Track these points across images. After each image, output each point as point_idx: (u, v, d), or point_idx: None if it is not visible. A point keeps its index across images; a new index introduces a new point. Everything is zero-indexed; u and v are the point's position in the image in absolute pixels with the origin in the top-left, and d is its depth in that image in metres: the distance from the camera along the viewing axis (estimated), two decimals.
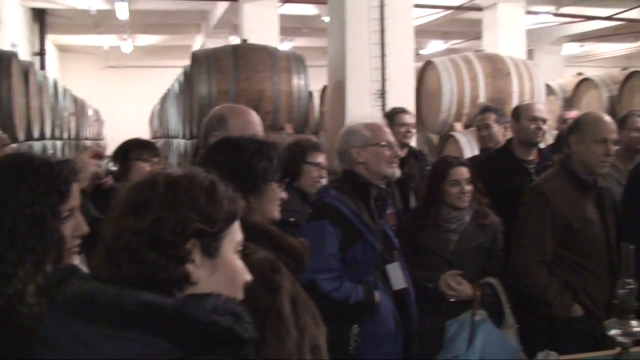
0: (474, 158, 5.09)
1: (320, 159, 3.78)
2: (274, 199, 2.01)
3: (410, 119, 5.05)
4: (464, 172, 3.56)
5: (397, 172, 3.06)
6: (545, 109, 4.55)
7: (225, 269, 1.33)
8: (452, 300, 3.45)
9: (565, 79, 10.21)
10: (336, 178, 3.22)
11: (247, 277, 1.39)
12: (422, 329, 3.27)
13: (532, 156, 4.27)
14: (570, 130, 3.56)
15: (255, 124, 2.71)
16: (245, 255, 1.42)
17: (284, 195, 2.04)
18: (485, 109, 5.11)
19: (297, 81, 6.64)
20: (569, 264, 3.41)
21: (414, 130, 5.12)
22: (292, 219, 3.16)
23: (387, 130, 3.11)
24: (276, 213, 2.03)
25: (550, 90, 9.14)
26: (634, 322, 2.61)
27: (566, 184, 3.46)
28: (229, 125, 2.63)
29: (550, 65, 14.82)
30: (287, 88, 6.60)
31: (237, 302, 1.29)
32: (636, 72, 7.55)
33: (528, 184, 3.81)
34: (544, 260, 3.40)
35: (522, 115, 4.28)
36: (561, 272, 3.41)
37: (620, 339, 2.63)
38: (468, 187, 3.54)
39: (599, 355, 2.89)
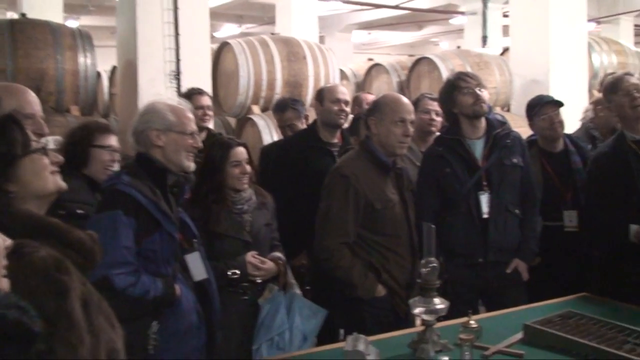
0: (276, 142, 5.03)
1: (111, 141, 3.41)
2: (40, 169, 1.77)
3: (207, 100, 4.85)
4: (243, 152, 3.51)
5: (192, 166, 2.84)
6: (347, 91, 4.59)
7: None
8: (259, 280, 3.41)
9: (357, 64, 10.51)
10: (129, 162, 2.92)
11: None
12: (226, 317, 3.16)
13: (336, 139, 4.32)
14: (370, 112, 3.56)
15: (32, 103, 2.49)
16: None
17: (48, 161, 1.80)
18: (283, 108, 5.00)
19: (83, 60, 6.15)
20: (371, 245, 3.41)
21: (211, 113, 4.92)
22: (80, 211, 2.84)
23: (192, 117, 2.88)
24: (49, 183, 1.79)
25: (343, 75, 9.34)
26: (436, 300, 2.66)
27: (367, 165, 3.45)
28: (3, 105, 2.34)
29: (341, 52, 15.26)
30: (73, 67, 6.09)
31: (19, 297, 1.16)
32: (423, 58, 7.89)
33: (332, 165, 3.80)
34: (347, 241, 3.37)
35: (325, 97, 4.32)
36: (364, 253, 3.39)
37: (425, 317, 2.68)
38: (248, 168, 3.48)
39: (405, 333, 2.92)
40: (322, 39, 15.30)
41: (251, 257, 3.40)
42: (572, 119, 6.11)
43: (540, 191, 4.01)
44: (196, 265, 2.92)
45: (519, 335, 2.82)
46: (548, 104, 4.20)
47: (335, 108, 4.26)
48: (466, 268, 3.67)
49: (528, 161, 3.88)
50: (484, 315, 3.34)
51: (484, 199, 3.70)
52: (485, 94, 3.93)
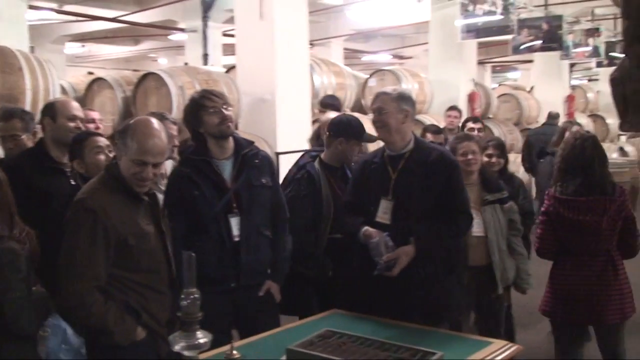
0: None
1: None
2: None
3: None
4: None
5: None
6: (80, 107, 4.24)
7: None
8: None
9: (77, 77, 9.92)
10: None
11: None
12: None
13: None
14: (119, 133, 3.13)
15: None
16: None
17: None
18: (9, 116, 4.45)
19: None
20: (126, 284, 3.04)
21: None
22: None
23: None
24: None
25: (61, 89, 8.72)
26: (199, 333, 2.49)
27: (115, 194, 3.04)
28: None
29: (53, 64, 14.33)
30: None
31: None
32: (150, 73, 7.60)
33: (65, 186, 3.54)
34: (98, 285, 2.96)
35: (59, 113, 3.99)
36: (119, 293, 3.01)
37: (187, 353, 2.49)
38: None
39: None
40: (32, 50, 14.23)
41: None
42: (298, 137, 6.37)
43: (330, 206, 4.05)
44: None
45: None
46: (356, 140, 4.16)
47: (71, 125, 3.98)
48: (219, 294, 3.52)
49: (277, 181, 3.88)
50: (243, 342, 3.24)
51: (234, 222, 3.63)
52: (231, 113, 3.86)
